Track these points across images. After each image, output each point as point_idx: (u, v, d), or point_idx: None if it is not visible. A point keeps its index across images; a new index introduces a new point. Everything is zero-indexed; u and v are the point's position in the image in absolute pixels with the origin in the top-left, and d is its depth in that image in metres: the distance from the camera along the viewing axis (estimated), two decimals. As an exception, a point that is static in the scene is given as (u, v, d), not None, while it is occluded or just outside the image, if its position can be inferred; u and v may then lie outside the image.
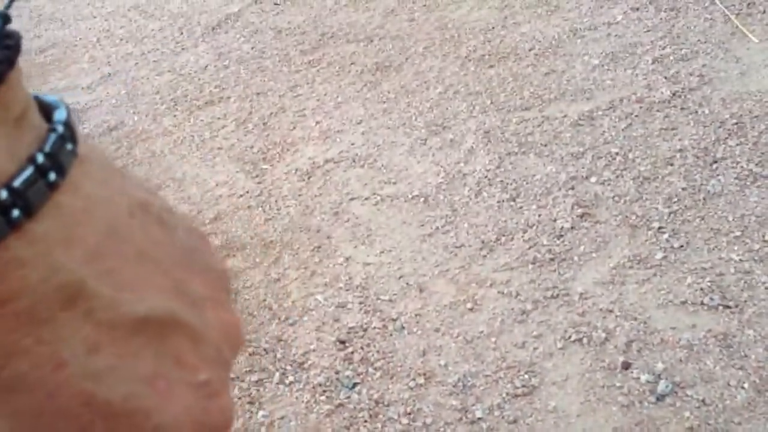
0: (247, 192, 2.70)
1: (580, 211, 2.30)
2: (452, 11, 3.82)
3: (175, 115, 3.32)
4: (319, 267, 2.29)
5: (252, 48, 3.83)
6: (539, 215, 2.33)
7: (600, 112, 2.75)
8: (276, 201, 2.63)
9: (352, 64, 3.51)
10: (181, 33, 4.14)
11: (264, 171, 2.82)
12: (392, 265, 2.25)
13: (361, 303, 2.13)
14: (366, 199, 2.57)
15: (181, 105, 3.40)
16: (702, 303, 1.89)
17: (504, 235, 2.28)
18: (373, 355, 1.94)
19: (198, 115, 3.29)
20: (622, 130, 2.62)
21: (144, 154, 3.05)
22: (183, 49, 3.95)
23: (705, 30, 3.12)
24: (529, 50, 3.27)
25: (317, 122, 3.08)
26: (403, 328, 2.02)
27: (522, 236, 2.26)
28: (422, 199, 2.51)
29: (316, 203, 2.58)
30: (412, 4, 3.96)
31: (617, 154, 2.51)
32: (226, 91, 3.46)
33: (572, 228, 2.25)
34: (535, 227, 2.29)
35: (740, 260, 2.04)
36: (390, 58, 3.49)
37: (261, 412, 1.83)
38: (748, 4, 3.21)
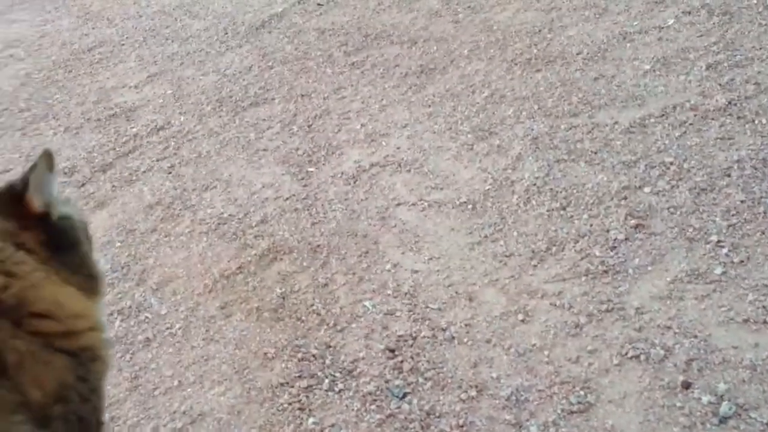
0: (294, 195, 2.69)
1: (633, 222, 2.26)
2: (497, 13, 3.78)
3: (220, 116, 3.33)
4: (367, 273, 2.28)
5: (296, 49, 3.83)
6: (591, 225, 2.29)
7: (652, 120, 2.69)
8: (322, 204, 2.62)
9: (396, 66, 3.49)
10: (226, 33, 4.16)
11: (310, 174, 2.81)
12: (441, 273, 2.23)
13: (409, 311, 2.11)
14: (413, 204, 2.55)
15: (227, 106, 3.41)
16: (765, 321, 1.83)
17: (555, 245, 2.24)
18: (423, 364, 1.92)
19: (243, 116, 3.30)
20: (676, 138, 2.57)
21: (191, 155, 3.06)
22: (227, 48, 3.97)
23: (759, 35, 3.04)
24: (577, 54, 3.22)
25: (362, 125, 3.07)
26: (453, 338, 1.99)
27: (573, 246, 2.22)
28: (470, 206, 2.48)
29: (362, 208, 2.57)
30: (456, 5, 3.93)
31: (671, 163, 2.46)
32: (270, 92, 3.47)
33: (626, 239, 2.20)
34: (586, 237, 2.25)
35: (801, 276, 1.98)
36: (434, 60, 3.46)
37: (311, 419, 1.82)
38: (807, 10, 3.13)
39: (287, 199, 2.68)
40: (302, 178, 2.79)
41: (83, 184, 2.98)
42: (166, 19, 4.54)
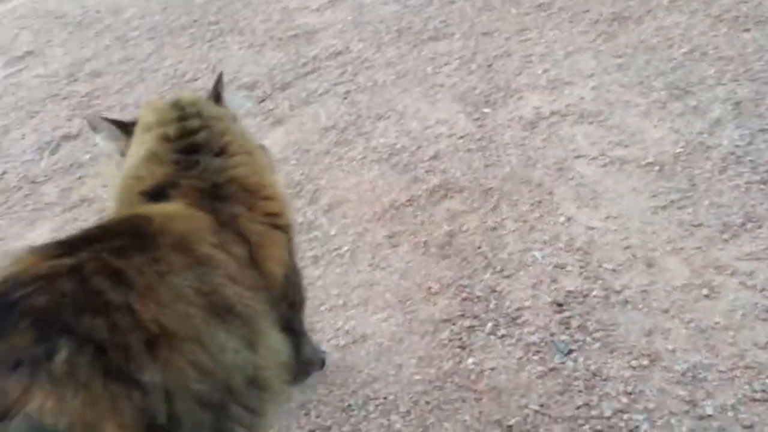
0: (468, 134, 2.64)
1: None
2: (705, -36, 3.46)
3: (398, 47, 3.30)
4: (539, 223, 2.20)
5: (481, -15, 3.70)
6: (795, 204, 2.08)
7: None
8: (497, 147, 2.54)
9: (586, 11, 3.29)
10: (410, -37, 4.08)
11: (485, 115, 2.74)
12: (618, 233, 2.12)
13: (581, 267, 2.02)
14: (593, 158, 2.42)
15: (405, 37, 3.38)
16: None
17: (751, 221, 2.06)
18: (592, 324, 1.84)
19: (421, 49, 3.25)
20: None
21: (367, 82, 3.07)
22: (411, -21, 3.90)
23: None
24: (796, 16, 2.90)
25: (545, 70, 2.93)
26: (627, 302, 1.89)
27: (772, 225, 2.03)
28: (657, 168, 2.32)
29: (539, 155, 2.47)
30: (659, -48, 3.63)
31: None
32: (451, 27, 3.39)
33: (835, 225, 1.99)
34: (788, 217, 2.04)
35: None
36: (629, 8, 3.24)
37: (471, 359, 1.81)
38: None
39: (461, 137, 2.63)
40: (477, 118, 2.72)
41: (263, 100, 3.07)
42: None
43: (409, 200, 2.36)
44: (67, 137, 3.04)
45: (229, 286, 1.04)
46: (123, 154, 1.32)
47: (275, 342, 1.11)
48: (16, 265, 0.96)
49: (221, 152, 1.23)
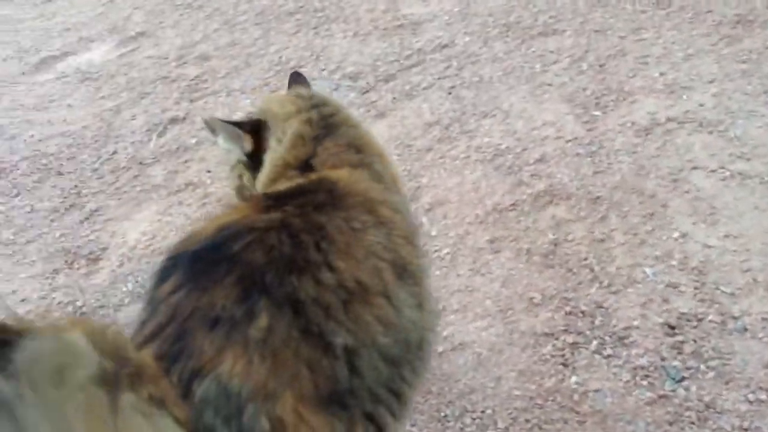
0: (576, 138, 2.54)
1: None
2: None
3: (506, 42, 3.22)
4: (650, 237, 2.10)
5: (594, -21, 3.56)
6: None
7: None
8: (607, 154, 2.44)
9: (708, 11, 3.12)
10: (520, -46, 3.97)
11: (596, 118, 2.63)
12: (738, 254, 1.99)
13: (696, 288, 1.91)
14: (712, 171, 2.29)
15: (514, 32, 3.29)
16: None
17: None
18: (707, 351, 1.74)
19: (530, 45, 3.16)
20: None
21: (472, 78, 3.00)
22: (521, -29, 3.80)
23: None
24: None
25: (661, 73, 2.79)
26: (746, 329, 1.78)
27: None
28: (783, 185, 2.17)
29: (652, 165, 2.36)
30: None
31: None
32: (562, 23, 3.28)
33: None
34: None
35: None
36: (755, 11, 3.04)
37: (574, 378, 1.74)
38: None
39: (569, 141, 2.54)
40: (587, 121, 2.62)
41: (366, 92, 3.05)
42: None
43: (512, 204, 2.30)
44: (174, 120, 3.12)
45: (404, 246, 1.09)
46: (245, 150, 1.33)
47: (433, 306, 1.16)
48: (234, 213, 1.03)
49: (355, 126, 1.33)
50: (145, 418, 0.73)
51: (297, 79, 1.55)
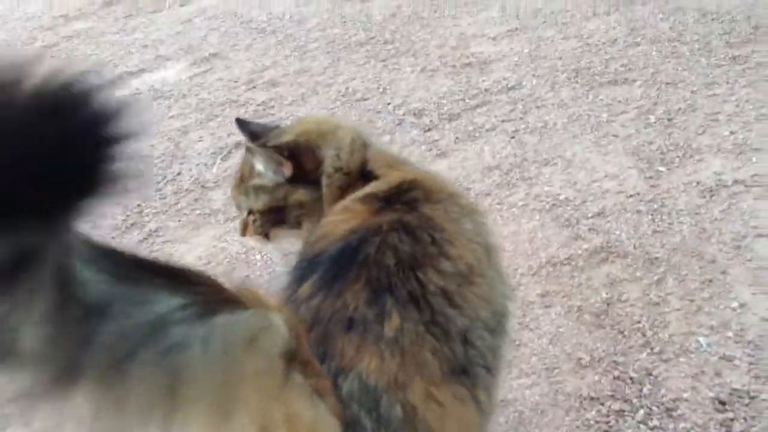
0: (638, 193, 2.51)
1: None
2: None
3: (574, 88, 3.21)
4: (708, 304, 2.05)
5: (669, 28, 3.52)
6: None
7: None
8: (669, 213, 2.40)
9: (786, 70, 3.04)
10: (593, -4, 3.96)
11: (660, 174, 2.59)
12: (798, 328, 1.93)
13: (751, 363, 1.86)
14: (778, 240, 2.22)
15: (583, 77, 3.27)
16: None
17: None
18: (758, 430, 1.69)
19: (598, 92, 3.14)
20: None
21: (536, 123, 3.00)
22: (594, 14, 3.78)
23: None
24: None
25: (732, 132, 2.73)
26: (801, 413, 1.72)
27: None
28: None
29: (715, 228, 2.31)
30: None
31: None
32: (632, 72, 3.24)
33: None
34: None
35: None
36: (837, 72, 2.95)
37: (616, 447, 1.72)
38: None
39: (630, 196, 2.50)
40: (650, 177, 2.58)
41: (429, 129, 3.08)
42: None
43: (567, 258, 2.28)
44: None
45: (486, 229, 1.21)
46: (286, 176, 1.37)
47: (506, 278, 1.25)
48: (354, 216, 1.15)
49: None
50: (309, 401, 0.83)
51: (245, 126, 1.55)
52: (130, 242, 2.68)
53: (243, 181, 1.46)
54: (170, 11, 5.19)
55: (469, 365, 1.02)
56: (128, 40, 4.66)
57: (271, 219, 1.43)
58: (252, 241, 1.52)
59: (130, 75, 4.10)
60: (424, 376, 0.95)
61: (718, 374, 1.85)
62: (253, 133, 1.48)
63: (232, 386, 0.74)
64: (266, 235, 1.48)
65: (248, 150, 1.41)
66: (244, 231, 1.49)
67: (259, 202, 1.43)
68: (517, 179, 2.68)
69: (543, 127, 2.97)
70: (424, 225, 1.10)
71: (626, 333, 2.01)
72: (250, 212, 1.46)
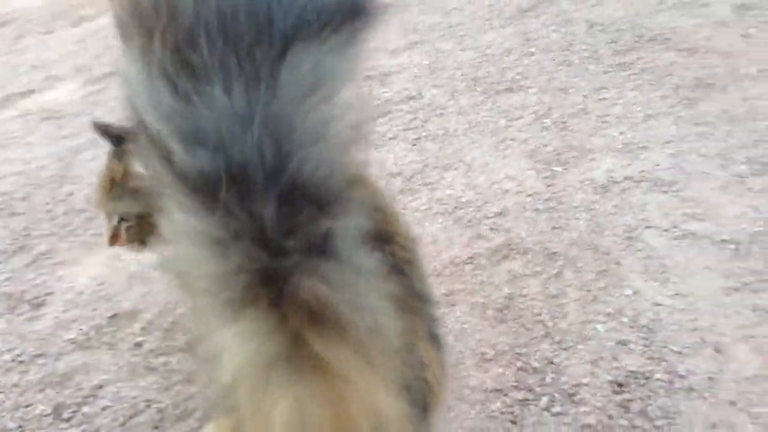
0: (536, 193, 2.59)
1: None
2: (798, 33, 3.33)
3: (472, 96, 3.29)
4: (603, 294, 2.13)
5: (561, 38, 3.67)
6: None
7: None
8: (566, 210, 2.48)
9: (668, 75, 3.21)
10: (491, 10, 4.09)
11: (556, 174, 2.68)
12: (686, 313, 2.02)
13: (645, 347, 1.93)
14: (665, 230, 2.33)
15: (481, 86, 3.36)
16: None
17: (832, 314, 1.94)
18: (654, 410, 1.75)
19: (496, 100, 3.23)
20: None
21: (437, 130, 3.06)
22: (490, 27, 3.90)
23: None
24: None
25: (621, 132, 2.86)
26: (692, 389, 1.80)
27: None
28: (732, 246, 2.22)
29: (608, 222, 2.40)
30: (750, 17, 3.53)
31: None
32: (527, 80, 3.36)
33: None
34: None
35: None
36: (714, 75, 3.14)
37: (521, 435, 1.74)
38: None
39: (529, 195, 2.58)
40: (547, 177, 2.67)
41: (332, 140, 3.08)
42: (432, -12, 4.56)
43: (470, 258, 2.32)
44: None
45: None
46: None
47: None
48: None
49: None
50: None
51: (105, 129, 1.50)
52: (18, 266, 2.55)
53: (113, 186, 1.40)
54: (62, 32, 5.02)
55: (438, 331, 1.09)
56: (18, 62, 4.48)
57: (150, 224, 1.38)
58: (125, 250, 1.46)
59: (18, 96, 3.94)
60: (422, 335, 1.01)
61: (615, 358, 1.91)
62: (117, 136, 1.43)
63: None
64: (143, 242, 1.42)
65: (116, 154, 1.35)
66: (113, 240, 1.43)
67: (137, 207, 1.37)
68: (419, 185, 2.72)
69: (444, 134, 3.02)
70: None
71: (528, 326, 2.05)
72: (122, 219, 1.40)
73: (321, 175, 0.71)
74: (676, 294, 2.09)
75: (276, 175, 0.68)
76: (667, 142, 2.76)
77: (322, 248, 0.72)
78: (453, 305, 2.15)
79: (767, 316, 1.97)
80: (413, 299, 1.04)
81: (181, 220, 0.70)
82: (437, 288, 2.21)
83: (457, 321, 2.10)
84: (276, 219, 0.69)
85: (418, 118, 3.17)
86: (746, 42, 3.34)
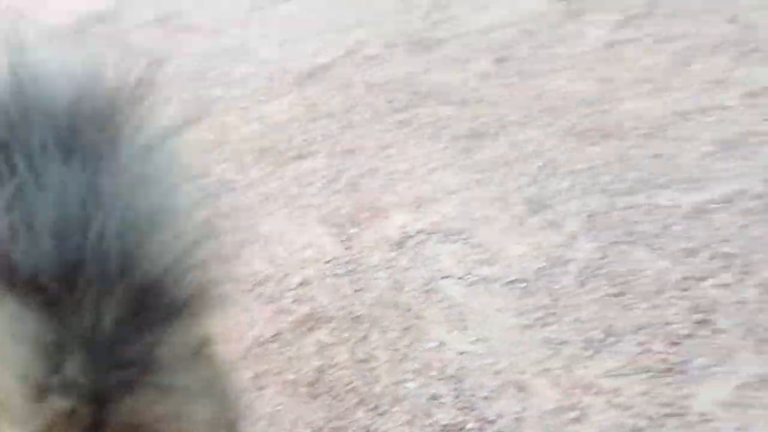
0: (335, 258, 2.59)
1: (696, 316, 2.12)
2: (550, 80, 3.70)
3: (261, 167, 3.27)
4: (410, 350, 2.16)
5: (342, 102, 3.78)
6: (651, 316, 2.15)
7: (714, 206, 2.56)
8: (365, 270, 2.51)
9: (445, 127, 3.41)
10: (271, 80, 4.13)
11: (353, 236, 2.72)
12: (487, 357, 2.10)
13: (455, 397, 1.97)
14: (459, 278, 2.43)
15: (269, 157, 3.35)
16: None
17: (611, 335, 2.11)
18: (469, 461, 1.79)
19: (286, 169, 3.23)
20: (741, 228, 2.43)
21: (228, 206, 2.98)
22: (272, 97, 3.93)
23: (828, 123, 2.92)
24: (634, 129, 3.12)
25: (409, 187, 2.97)
26: (502, 433, 1.86)
27: (632, 339, 2.09)
28: (521, 285, 2.36)
29: (406, 277, 2.46)
30: (508, 69, 3.86)
31: (736, 255, 2.32)
32: (314, 145, 3.40)
33: (689, 335, 2.06)
34: (646, 330, 2.11)
35: None
36: (485, 124, 3.38)
37: None
38: None
39: (328, 261, 2.58)
40: (344, 240, 2.69)
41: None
42: (211, 61, 4.52)
43: (274, 335, 2.26)
44: None
45: None
46: None
47: None
48: None
49: None
50: None
51: None
52: None
53: None
54: None
55: None
56: None
57: None
58: None
59: None
60: None
61: (428, 414, 1.93)
62: None
63: None
64: None
65: None
66: None
67: None
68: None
69: (236, 209, 2.96)
70: None
71: (341, 396, 2.02)
72: None
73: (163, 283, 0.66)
74: (477, 339, 2.17)
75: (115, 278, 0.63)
76: (452, 192, 2.90)
77: (150, 364, 0.66)
78: (262, 388, 2.07)
79: (558, 348, 2.09)
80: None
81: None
82: (243, 373, 2.12)
83: (268, 404, 2.01)
84: (109, 328, 0.63)
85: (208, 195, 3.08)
86: (509, 92, 3.65)
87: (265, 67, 4.31)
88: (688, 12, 4.21)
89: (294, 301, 2.40)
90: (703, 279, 2.25)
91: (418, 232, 2.69)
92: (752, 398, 1.84)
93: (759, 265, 2.27)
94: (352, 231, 2.74)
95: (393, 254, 2.58)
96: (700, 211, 2.55)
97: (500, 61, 4.00)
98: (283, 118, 3.68)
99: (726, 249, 2.36)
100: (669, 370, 1.97)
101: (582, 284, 2.31)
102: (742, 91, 3.25)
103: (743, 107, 3.12)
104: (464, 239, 2.61)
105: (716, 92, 3.30)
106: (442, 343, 2.17)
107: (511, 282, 2.37)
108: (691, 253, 2.37)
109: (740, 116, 3.07)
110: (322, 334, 2.25)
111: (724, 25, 3.98)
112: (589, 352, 2.06)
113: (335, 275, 2.50)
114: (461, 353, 2.12)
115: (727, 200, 2.58)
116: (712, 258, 2.33)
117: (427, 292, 2.38)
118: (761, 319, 2.07)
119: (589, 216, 2.61)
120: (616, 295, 2.25)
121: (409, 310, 2.31)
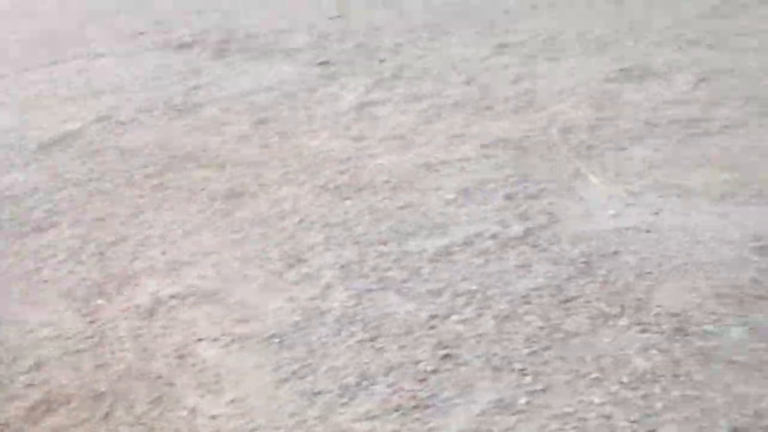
0: (77, 333, 2.39)
1: (442, 352, 2.22)
2: (307, 140, 3.80)
3: (-5, 243, 2.96)
4: (159, 422, 2.01)
5: (91, 169, 3.57)
6: (402, 356, 2.21)
7: (456, 248, 2.74)
8: (110, 343, 2.33)
9: (202, 189, 3.35)
10: (11, 150, 3.81)
11: (98, 308, 2.53)
12: (243, 417, 2.02)
13: (210, 466, 1.87)
14: (215, 340, 2.34)
15: (4, 231, 3.05)
16: (572, 454, 1.82)
17: (366, 379, 2.13)
18: None
19: (24, 243, 2.96)
20: (479, 266, 2.62)
21: (-47, 287, 2.66)
22: (12, 167, 3.62)
23: (550, 169, 3.27)
24: (385, 183, 3.27)
25: (163, 252, 2.85)
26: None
27: (384, 380, 2.12)
28: (277, 340, 2.32)
29: (157, 345, 2.32)
30: (265, 131, 3.91)
31: (476, 291, 2.49)
32: (57, 215, 3.16)
33: (435, 371, 2.14)
34: (397, 370, 2.16)
35: (601, 403, 2.01)
36: (244, 185, 3.36)
37: None
38: (588, 147, 3.44)
39: (68, 338, 2.37)
40: (88, 314, 2.49)
41: None
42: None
43: (3, 425, 2.00)
44: None
45: None
46: None
47: None
48: None
49: None
50: None
51: None
52: None
53: None
54: None
55: None
56: None
57: None
58: None
59: None
60: None
61: (176, 488, 1.80)
62: None
63: None
64: None
65: None
66: None
67: None
68: (-68, 355, 2.30)
69: (-38, 290, 2.64)
70: None
71: (78, 483, 1.83)
72: None
73: None
74: (232, 401, 2.08)
75: None
76: (209, 254, 2.83)
77: None
78: (-18, 488, 1.81)
79: (313, 398, 2.07)
80: None
81: None
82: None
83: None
84: None
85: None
86: (267, 152, 3.68)
87: (5, 136, 3.97)
88: (432, 75, 4.57)
89: (27, 386, 2.15)
90: (447, 316, 2.37)
91: (171, 297, 2.57)
92: (491, 424, 1.94)
93: (495, 299, 2.44)
94: (98, 302, 2.55)
95: (143, 322, 2.43)
96: (443, 254, 2.71)
97: (260, 123, 4.05)
98: (22, 189, 3.39)
99: (467, 286, 2.51)
100: (417, 406, 2.02)
101: (338, 332, 2.33)
102: (477, 143, 3.56)
103: (479, 157, 3.41)
104: (220, 299, 2.54)
105: (457, 145, 3.58)
106: (193, 410, 2.05)
107: (268, 338, 2.33)
108: (437, 293, 2.49)
109: (477, 165, 3.35)
110: (58, 418, 2.03)
111: (462, 86, 4.38)
112: (345, 399, 2.06)
113: (75, 352, 2.29)
114: (214, 417, 2.02)
115: (468, 242, 2.77)
116: (455, 296, 2.47)
117: (180, 357, 2.26)
118: (497, 348, 2.21)
119: (343, 267, 2.67)
120: (369, 340, 2.29)
121: (159, 378, 2.17)
